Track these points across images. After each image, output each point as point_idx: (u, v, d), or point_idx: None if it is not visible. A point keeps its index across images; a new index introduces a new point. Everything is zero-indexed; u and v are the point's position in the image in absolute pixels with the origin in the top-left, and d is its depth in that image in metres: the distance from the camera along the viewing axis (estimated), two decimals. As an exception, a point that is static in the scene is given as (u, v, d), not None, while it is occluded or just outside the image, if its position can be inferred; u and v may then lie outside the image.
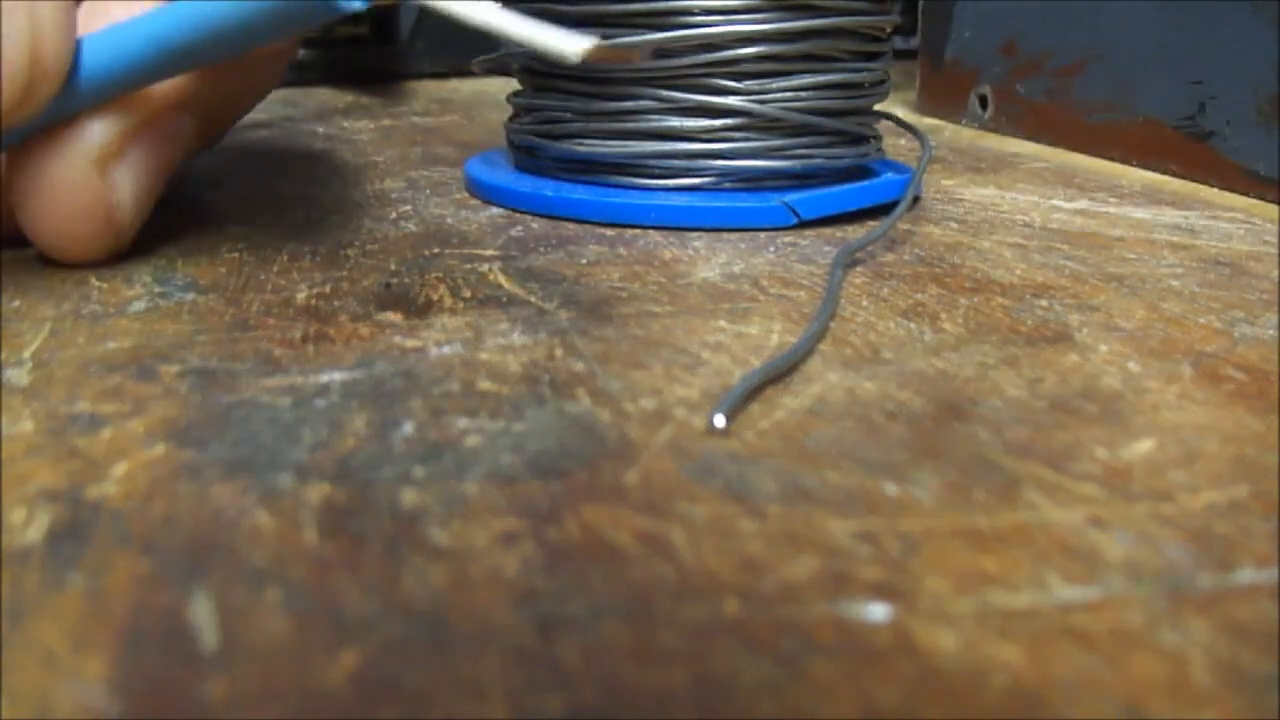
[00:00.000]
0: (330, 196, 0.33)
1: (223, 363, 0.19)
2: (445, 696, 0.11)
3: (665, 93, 0.29)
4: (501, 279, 0.24)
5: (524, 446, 0.16)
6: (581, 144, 0.30)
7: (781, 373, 0.19)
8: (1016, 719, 0.10)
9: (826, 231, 0.29)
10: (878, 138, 0.33)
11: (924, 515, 0.14)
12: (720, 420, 0.17)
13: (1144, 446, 0.16)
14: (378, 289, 0.23)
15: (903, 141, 0.42)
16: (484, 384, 0.18)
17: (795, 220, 0.29)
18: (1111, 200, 0.34)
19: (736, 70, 0.29)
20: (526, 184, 0.31)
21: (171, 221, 0.28)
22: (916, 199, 0.33)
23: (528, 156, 0.33)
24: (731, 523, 0.14)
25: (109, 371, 0.18)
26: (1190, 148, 0.38)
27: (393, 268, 0.25)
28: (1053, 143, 0.44)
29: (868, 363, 0.20)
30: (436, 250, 0.26)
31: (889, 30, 0.32)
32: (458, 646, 0.11)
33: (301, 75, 0.61)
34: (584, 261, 0.26)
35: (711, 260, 0.26)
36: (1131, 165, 0.40)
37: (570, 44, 0.17)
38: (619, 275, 0.25)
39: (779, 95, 0.29)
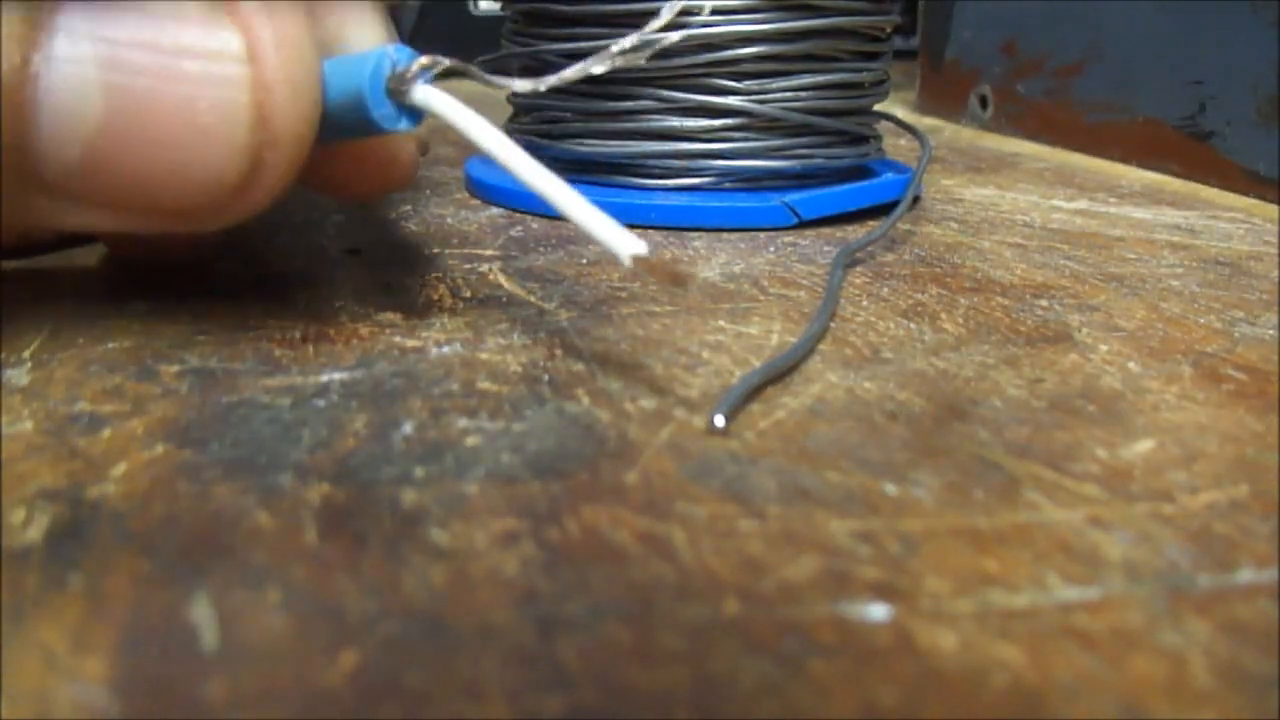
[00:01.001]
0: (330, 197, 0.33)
1: (223, 363, 0.19)
2: (445, 696, 0.11)
3: (665, 93, 0.29)
4: (501, 279, 0.24)
5: (524, 446, 0.16)
6: (581, 144, 0.30)
7: (781, 373, 0.19)
8: (1016, 719, 0.10)
9: (826, 231, 0.29)
10: (878, 138, 0.33)
11: (924, 515, 0.14)
12: (720, 420, 0.17)
13: (1144, 446, 0.16)
14: (378, 289, 0.23)
15: (903, 141, 0.42)
16: (484, 384, 0.18)
17: (795, 220, 0.29)
18: (1111, 200, 0.34)
19: (736, 70, 0.29)
20: (527, 184, 0.31)
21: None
22: (916, 199, 0.33)
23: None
24: (731, 523, 0.14)
25: (109, 371, 0.18)
26: (1190, 148, 0.38)
27: (393, 268, 0.25)
28: (1053, 143, 0.44)
29: (868, 363, 0.20)
30: (436, 250, 0.26)
31: (889, 30, 0.32)
32: (458, 646, 0.11)
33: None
34: (584, 261, 0.26)
35: (711, 260, 0.26)
36: (1131, 165, 0.40)
37: (625, 244, 0.17)
38: (619, 275, 0.25)
39: (779, 95, 0.29)
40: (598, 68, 0.19)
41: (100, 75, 0.17)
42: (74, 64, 0.16)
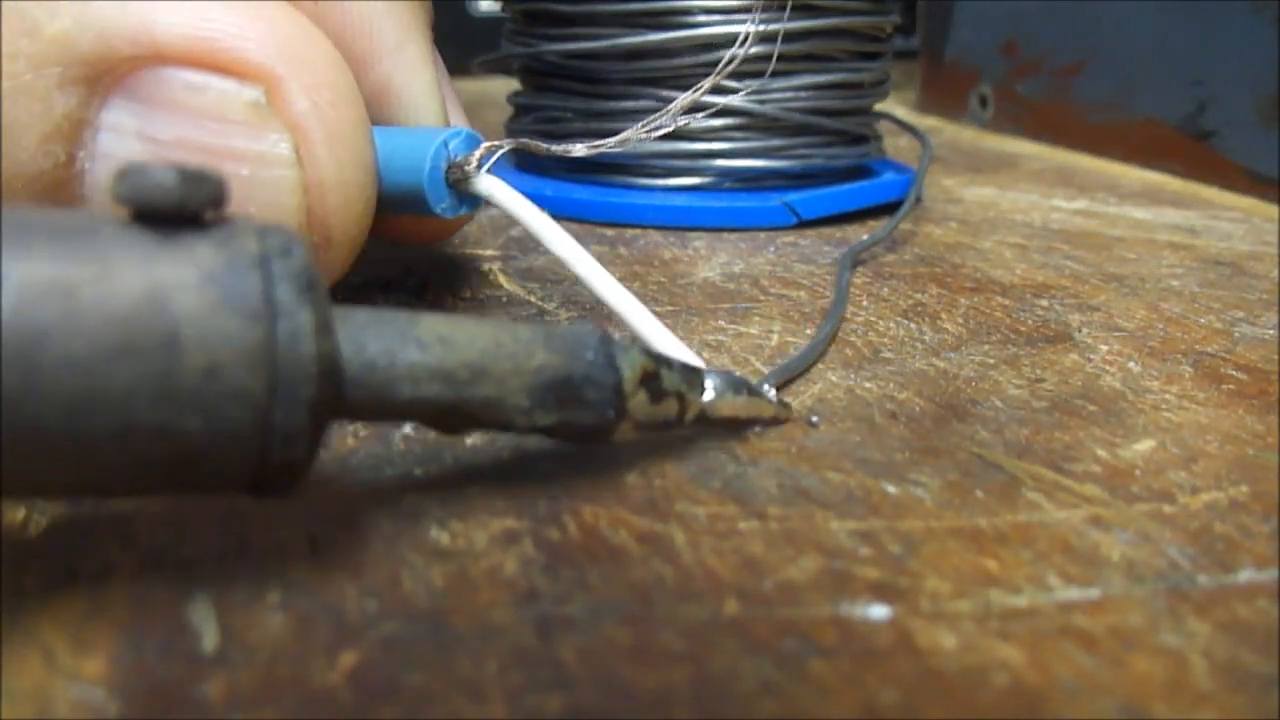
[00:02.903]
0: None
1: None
2: (445, 696, 0.11)
3: (665, 93, 0.29)
4: (501, 279, 0.24)
5: (524, 446, 0.16)
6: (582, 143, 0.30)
7: (794, 375, 0.19)
8: (1016, 719, 0.10)
9: (826, 231, 0.29)
10: (878, 138, 0.33)
11: (924, 515, 0.14)
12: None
13: (1144, 446, 0.16)
14: (377, 288, 0.23)
15: (903, 141, 0.42)
16: (484, 384, 0.18)
17: (795, 220, 0.29)
18: (1111, 200, 0.34)
19: (736, 70, 0.29)
20: (526, 184, 0.31)
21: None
22: (917, 199, 0.33)
23: (528, 156, 0.33)
24: (731, 523, 0.14)
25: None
26: (1190, 148, 0.38)
27: (392, 267, 0.25)
28: (1053, 143, 0.44)
29: (868, 363, 0.20)
30: (437, 250, 0.26)
31: (889, 30, 0.32)
32: (458, 646, 0.11)
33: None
34: (584, 261, 0.26)
35: (711, 260, 0.26)
36: (1131, 165, 0.40)
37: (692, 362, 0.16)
38: (619, 275, 0.24)
39: (779, 95, 0.29)
40: (644, 134, 0.20)
41: None
42: (119, 162, 0.16)
